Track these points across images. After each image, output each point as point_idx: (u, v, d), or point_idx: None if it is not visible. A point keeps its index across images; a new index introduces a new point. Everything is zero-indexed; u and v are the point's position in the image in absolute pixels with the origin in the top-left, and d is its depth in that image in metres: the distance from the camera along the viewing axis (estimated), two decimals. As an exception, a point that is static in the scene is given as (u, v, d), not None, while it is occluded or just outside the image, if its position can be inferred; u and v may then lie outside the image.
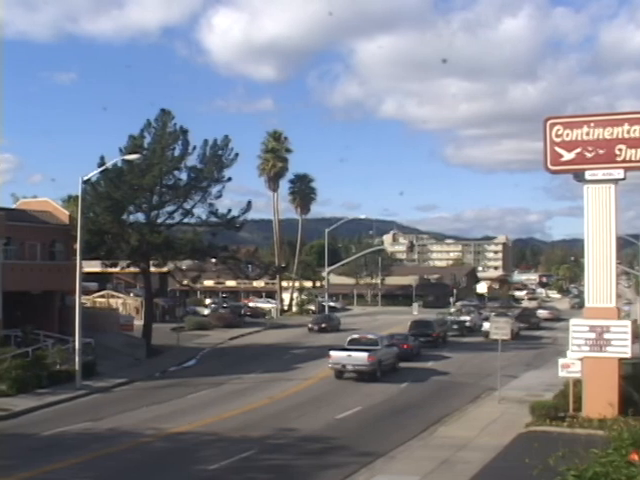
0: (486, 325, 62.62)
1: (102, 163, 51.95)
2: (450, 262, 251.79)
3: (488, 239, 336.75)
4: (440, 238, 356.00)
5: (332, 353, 46.19)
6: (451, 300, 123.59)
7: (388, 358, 47.72)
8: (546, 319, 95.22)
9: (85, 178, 45.34)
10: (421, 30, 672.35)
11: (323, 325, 79.61)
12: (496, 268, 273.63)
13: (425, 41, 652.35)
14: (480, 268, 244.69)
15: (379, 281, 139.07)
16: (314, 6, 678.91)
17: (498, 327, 40.25)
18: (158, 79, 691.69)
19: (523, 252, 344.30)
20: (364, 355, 44.76)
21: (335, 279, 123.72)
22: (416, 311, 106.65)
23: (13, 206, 66.72)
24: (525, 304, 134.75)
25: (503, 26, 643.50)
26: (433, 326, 66.97)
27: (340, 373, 45.88)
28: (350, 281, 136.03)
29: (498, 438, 28.94)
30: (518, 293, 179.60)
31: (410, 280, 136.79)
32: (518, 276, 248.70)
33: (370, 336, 50.05)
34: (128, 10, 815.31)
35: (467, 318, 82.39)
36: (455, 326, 76.15)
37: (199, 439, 29.76)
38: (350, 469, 24.71)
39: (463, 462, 25.09)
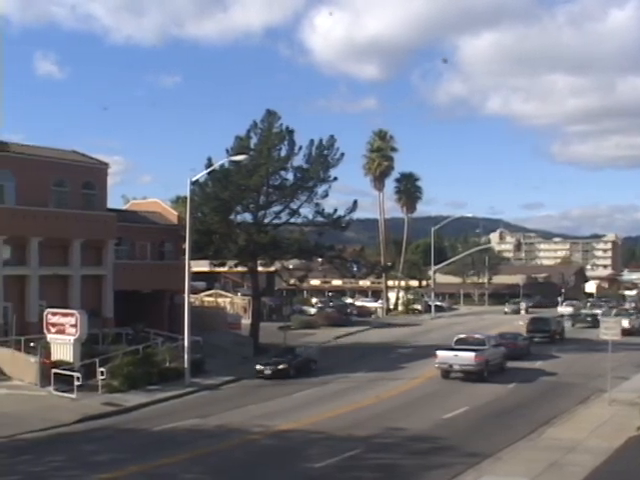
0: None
1: (209, 164, 52.72)
2: (558, 261, 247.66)
3: (597, 237, 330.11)
4: (547, 236, 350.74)
5: (439, 353, 45.79)
6: (559, 299, 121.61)
7: (495, 358, 47.08)
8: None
9: (193, 179, 46.04)
10: (526, 25, 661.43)
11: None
12: (605, 267, 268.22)
13: (530, 36, 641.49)
14: (589, 267, 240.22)
15: (486, 280, 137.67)
16: (416, 3, 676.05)
17: (608, 327, 39.33)
18: (261, 80, 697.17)
19: (633, 250, 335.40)
20: (471, 355, 44.26)
21: (441, 278, 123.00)
22: (524, 310, 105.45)
23: (124, 207, 68.22)
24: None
25: (610, 18, 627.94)
26: (550, 323, 69.78)
27: (447, 373, 45.49)
28: (457, 280, 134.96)
29: (608, 441, 28.29)
30: (628, 292, 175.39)
31: (517, 279, 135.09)
32: (628, 275, 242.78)
33: (477, 336, 49.49)
34: (231, 13, 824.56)
35: (599, 312, 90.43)
36: (588, 318, 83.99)
37: (306, 437, 29.91)
38: (457, 469, 24.51)
39: (572, 465, 24.63)
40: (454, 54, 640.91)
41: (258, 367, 46.76)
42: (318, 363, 50.64)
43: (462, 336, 49.23)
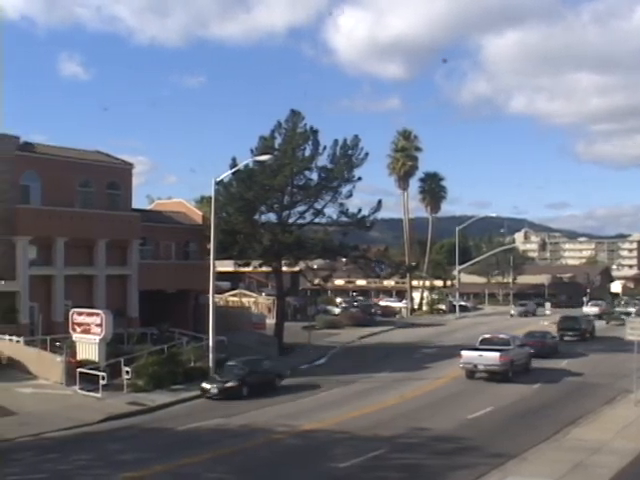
0: None
1: (234, 164, 52.82)
2: (583, 261, 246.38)
3: (622, 237, 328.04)
4: (572, 236, 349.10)
5: (463, 353, 45.72)
6: (584, 299, 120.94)
7: (520, 358, 46.94)
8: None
9: (218, 179, 46.13)
10: (550, 23, 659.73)
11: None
12: (631, 267, 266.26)
13: (554, 34, 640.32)
14: (614, 267, 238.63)
15: (511, 280, 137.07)
16: (440, 2, 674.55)
17: (634, 327, 39.06)
18: (285, 80, 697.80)
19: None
20: (496, 355, 44.13)
21: (466, 278, 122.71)
22: (549, 310, 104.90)
23: (149, 207, 68.53)
24: None
25: (636, 16, 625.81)
26: (581, 322, 71.35)
27: (471, 373, 45.41)
28: (481, 280, 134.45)
29: (634, 442, 28.14)
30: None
31: (542, 279, 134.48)
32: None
33: (502, 336, 49.34)
34: (255, 13, 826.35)
35: (633, 310, 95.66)
36: (622, 316, 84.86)
37: (330, 437, 29.93)
38: (481, 470, 24.44)
39: (598, 466, 24.51)
40: (478, 53, 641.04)
41: (204, 385, 39.91)
42: (286, 378, 44.34)
43: (487, 336, 49.17)
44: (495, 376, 44.16)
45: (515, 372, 45.07)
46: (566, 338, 66.60)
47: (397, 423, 32.28)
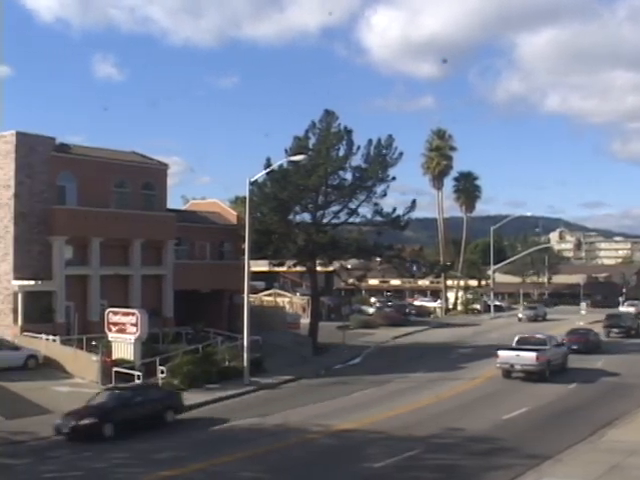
0: None
1: (268, 164, 52.88)
2: (619, 260, 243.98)
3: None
4: (608, 235, 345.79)
5: (500, 353, 45.51)
6: (620, 299, 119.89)
7: (557, 358, 46.73)
8: None
9: (252, 179, 46.22)
10: (585, 21, 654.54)
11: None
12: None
13: (590, 32, 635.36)
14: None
15: (546, 280, 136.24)
16: (474, 1, 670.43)
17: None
18: (319, 80, 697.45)
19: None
20: (532, 355, 43.91)
21: (501, 278, 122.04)
22: (584, 310, 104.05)
23: (183, 208, 68.88)
24: None
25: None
26: (625, 320, 74.23)
27: (508, 373, 45.15)
28: (516, 280, 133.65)
29: (672, 443, 27.86)
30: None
31: (578, 279, 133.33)
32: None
33: (539, 336, 49.16)
34: (289, 13, 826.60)
35: None
36: None
37: (365, 437, 29.89)
38: (516, 471, 24.28)
39: (634, 468, 24.19)
40: (512, 51, 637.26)
41: (57, 422, 30.45)
42: (183, 412, 34.71)
43: (523, 336, 49.05)
44: (532, 376, 43.90)
45: (552, 372, 44.89)
46: (612, 335, 68.91)
47: (432, 423, 32.17)
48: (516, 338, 48.36)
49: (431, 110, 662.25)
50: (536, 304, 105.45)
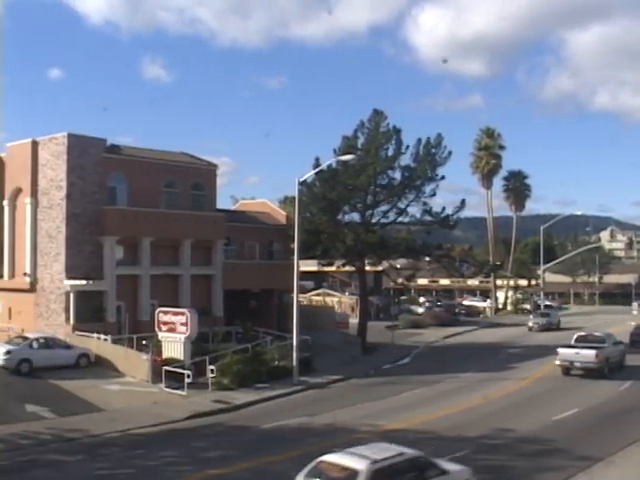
0: None
1: (317, 164, 52.92)
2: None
3: None
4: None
5: (560, 350, 46.38)
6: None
7: (615, 356, 47.44)
8: None
9: (301, 179, 46.29)
10: (636, 16, 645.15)
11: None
12: None
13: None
14: None
15: (596, 279, 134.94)
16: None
17: None
18: (367, 79, 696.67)
19: None
20: (592, 353, 44.94)
21: (551, 277, 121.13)
22: (636, 310, 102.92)
23: (233, 208, 69.23)
24: None
25: None
26: None
27: (567, 370, 46.02)
28: (566, 279, 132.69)
29: None
30: None
31: (629, 278, 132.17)
32: None
33: (597, 334, 49.92)
34: (336, 13, 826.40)
35: None
36: None
37: (414, 437, 29.71)
38: (568, 473, 24.09)
39: (690, 470, 24.00)
40: (561, 48, 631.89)
41: None
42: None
43: (582, 334, 49.91)
44: (591, 373, 44.70)
45: (610, 369, 45.60)
46: None
47: (481, 424, 32.01)
48: (575, 336, 49.10)
49: (479, 108, 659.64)
50: (549, 310, 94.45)
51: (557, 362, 46.26)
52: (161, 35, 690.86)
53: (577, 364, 45.43)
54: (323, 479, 18.58)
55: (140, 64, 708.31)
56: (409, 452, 19.11)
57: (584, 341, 47.66)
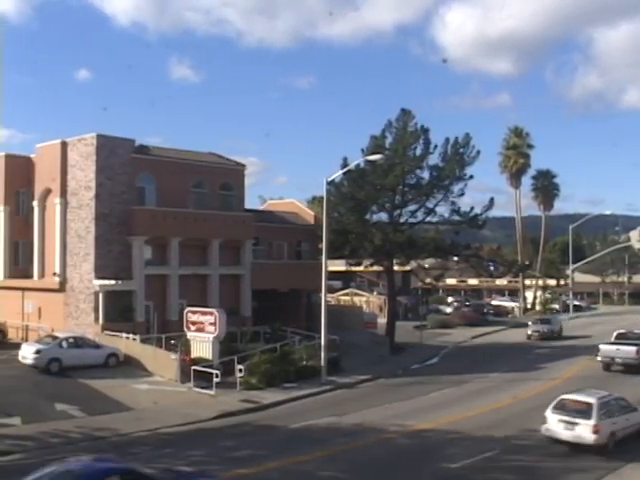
0: None
1: (345, 164, 52.95)
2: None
3: None
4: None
5: (601, 347, 48.70)
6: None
7: None
8: None
9: (329, 179, 46.28)
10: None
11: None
12: None
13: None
14: None
15: (626, 279, 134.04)
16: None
17: None
18: (394, 79, 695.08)
19: None
20: (633, 349, 47.17)
21: (580, 277, 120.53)
22: None
23: (261, 208, 69.34)
24: None
25: None
26: None
27: (608, 366, 48.20)
28: (595, 279, 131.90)
29: None
30: None
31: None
32: None
33: (637, 331, 51.68)
34: (363, 12, 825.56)
35: None
36: None
37: (442, 437, 29.75)
38: (597, 474, 24.00)
39: None
40: (589, 46, 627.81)
41: None
42: None
43: (622, 331, 51.74)
44: (631, 369, 46.65)
45: None
46: None
47: (510, 424, 31.89)
48: (615, 333, 51.09)
49: (507, 107, 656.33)
50: (550, 316, 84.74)
51: (598, 358, 48.18)
52: (188, 36, 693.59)
53: (618, 360, 47.45)
54: (567, 410, 27.65)
55: (167, 65, 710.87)
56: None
57: (624, 338, 49.63)
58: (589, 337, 66.99)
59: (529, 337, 70.02)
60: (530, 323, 74.53)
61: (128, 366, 43.62)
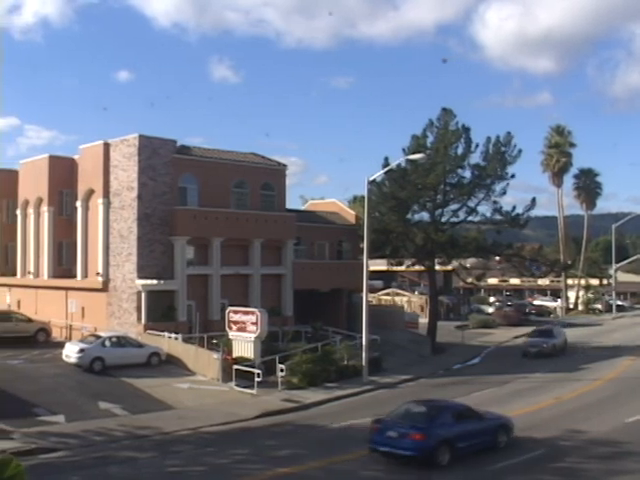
0: None
1: (386, 164, 52.94)
2: None
3: None
4: None
5: None
6: None
7: None
8: None
9: (370, 179, 46.27)
10: None
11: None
12: None
13: None
14: None
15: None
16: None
17: None
18: (434, 78, 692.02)
19: None
20: None
21: (623, 277, 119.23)
22: None
23: (302, 208, 69.44)
24: None
25: None
26: None
27: None
28: (639, 279, 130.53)
29: None
30: None
31: None
32: None
33: None
34: (403, 11, 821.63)
35: None
36: None
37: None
38: (640, 476, 23.81)
39: None
40: (632, 42, 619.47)
41: None
42: None
43: None
44: None
45: None
46: None
47: (552, 425, 31.68)
48: None
49: (549, 106, 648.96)
50: (552, 326, 68.40)
51: None
52: (228, 36, 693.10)
53: None
54: None
55: (207, 65, 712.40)
56: None
57: None
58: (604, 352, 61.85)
59: (525, 354, 56.67)
60: (526, 338, 60.90)
61: (170, 365, 43.95)
